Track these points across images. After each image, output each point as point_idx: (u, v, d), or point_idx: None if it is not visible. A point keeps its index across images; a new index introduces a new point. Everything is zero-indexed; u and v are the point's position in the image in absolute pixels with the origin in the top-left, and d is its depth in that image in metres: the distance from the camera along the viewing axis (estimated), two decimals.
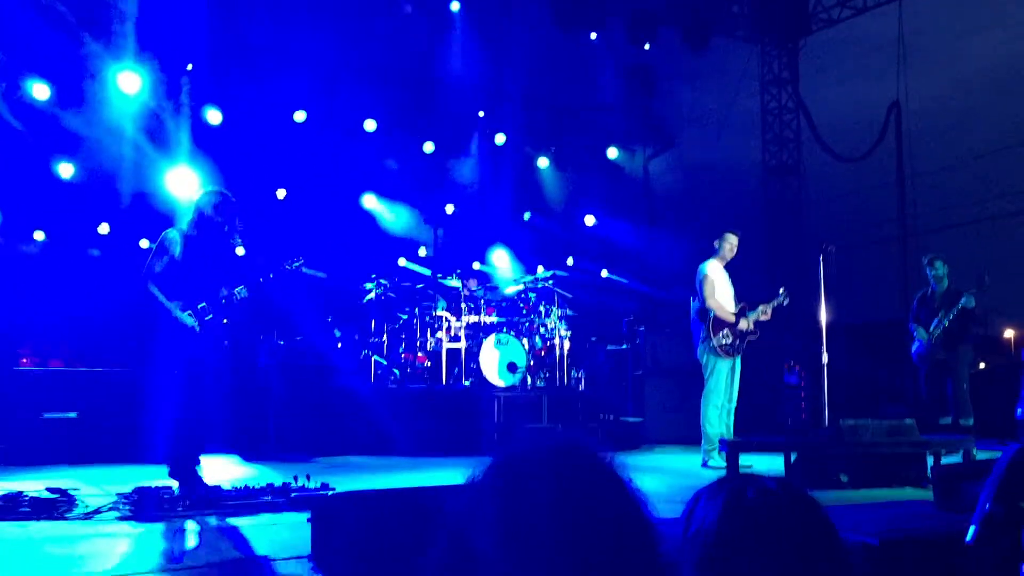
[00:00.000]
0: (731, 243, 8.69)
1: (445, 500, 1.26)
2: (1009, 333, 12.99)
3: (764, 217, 15.80)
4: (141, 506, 5.42)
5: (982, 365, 10.29)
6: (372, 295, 11.25)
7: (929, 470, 6.85)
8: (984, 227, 12.82)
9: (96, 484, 6.35)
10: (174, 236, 6.18)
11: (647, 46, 14.76)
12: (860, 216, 14.43)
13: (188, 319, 6.09)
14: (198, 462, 6.06)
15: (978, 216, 12.92)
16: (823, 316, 8.18)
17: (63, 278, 11.00)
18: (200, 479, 6.00)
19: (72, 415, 8.38)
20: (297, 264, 6.75)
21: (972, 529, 2.53)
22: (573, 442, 1.23)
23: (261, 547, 4.50)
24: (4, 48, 10.01)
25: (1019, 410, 10.03)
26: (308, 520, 3.62)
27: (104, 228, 11.57)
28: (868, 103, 14.30)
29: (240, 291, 6.35)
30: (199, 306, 6.15)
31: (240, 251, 6.35)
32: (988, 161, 12.67)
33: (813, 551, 1.41)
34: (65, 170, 11.06)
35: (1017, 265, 11.78)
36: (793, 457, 7.10)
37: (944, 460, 7.02)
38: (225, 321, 6.30)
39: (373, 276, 11.41)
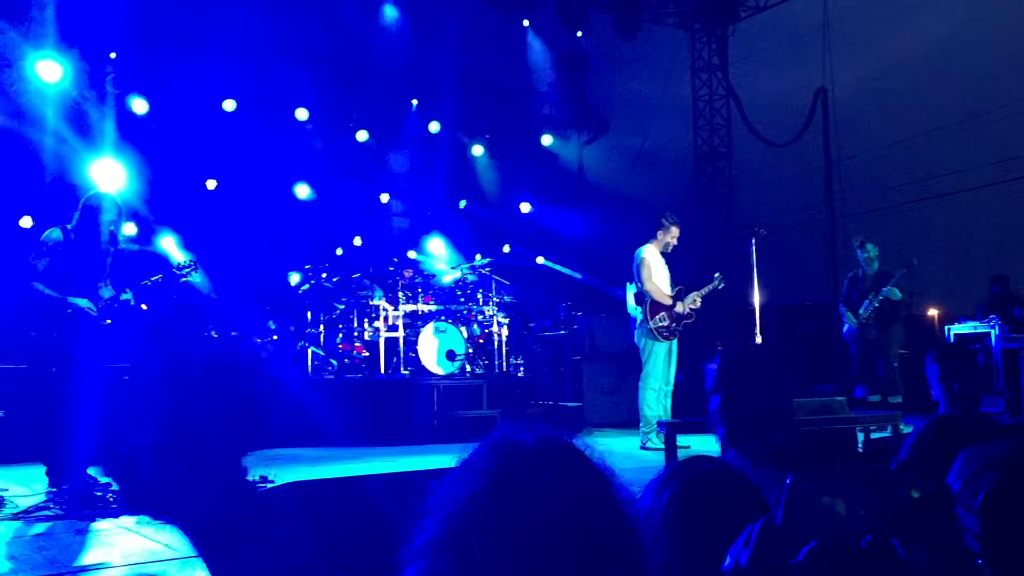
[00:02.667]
0: (674, 233, 8.78)
1: (425, 488, 1.27)
2: (932, 312, 13.39)
3: (695, 201, 16.01)
4: (72, 504, 5.29)
5: (902, 352, 10.56)
6: (307, 285, 11.11)
7: (860, 445, 7.05)
8: (909, 209, 13.18)
9: (25, 484, 6.18)
10: (56, 235, 6.10)
11: (579, 32, 14.82)
12: (788, 200, 14.70)
13: (83, 302, 5.98)
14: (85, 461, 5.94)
15: (903, 199, 13.27)
16: (756, 298, 8.33)
17: None
18: (86, 475, 5.86)
19: None
20: (186, 270, 6.62)
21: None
22: (558, 438, 1.25)
23: None
24: None
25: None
26: None
27: (26, 221, 11.21)
28: (796, 89, 14.56)
29: (126, 295, 6.26)
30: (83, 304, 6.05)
31: (122, 237, 6.26)
32: (913, 145, 13.02)
33: (749, 519, 1.49)
34: None
35: (940, 247, 12.14)
36: None
37: (874, 436, 7.22)
38: (109, 322, 6.17)
39: (307, 267, 11.29)
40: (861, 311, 9.75)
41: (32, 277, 5.99)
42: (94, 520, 4.99)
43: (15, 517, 5.12)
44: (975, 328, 10.13)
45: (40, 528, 4.90)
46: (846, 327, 9.98)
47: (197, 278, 6.83)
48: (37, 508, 5.27)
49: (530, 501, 1.15)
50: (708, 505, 1.53)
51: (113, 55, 11.08)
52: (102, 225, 6.13)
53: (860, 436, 7.15)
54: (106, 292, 6.16)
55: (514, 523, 1.14)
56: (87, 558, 4.14)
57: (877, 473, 1.44)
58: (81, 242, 6.12)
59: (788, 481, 1.41)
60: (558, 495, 1.17)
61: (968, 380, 3.48)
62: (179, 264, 6.63)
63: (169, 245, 10.96)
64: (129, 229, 8.88)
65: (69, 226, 6.17)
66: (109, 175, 10.29)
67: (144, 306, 6.32)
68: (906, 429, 7.51)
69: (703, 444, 7.96)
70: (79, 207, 6.21)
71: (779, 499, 1.50)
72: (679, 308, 8.58)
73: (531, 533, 1.13)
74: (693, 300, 8.64)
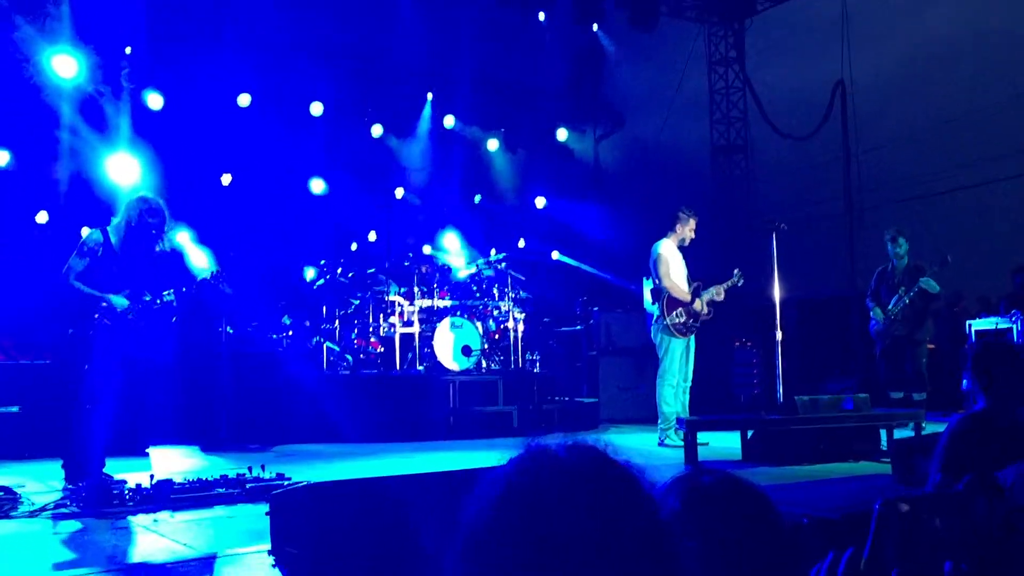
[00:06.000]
0: (691, 226, 8.68)
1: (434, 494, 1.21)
2: (955, 307, 13.24)
3: (712, 196, 15.90)
4: (89, 502, 5.26)
5: (930, 346, 10.42)
6: (322, 280, 11.09)
7: (884, 443, 6.97)
8: (930, 203, 13.04)
9: (42, 480, 6.17)
10: (96, 237, 6.10)
11: (595, 26, 14.72)
12: (807, 193, 14.56)
13: (120, 300, 5.99)
14: (103, 460, 5.96)
15: (923, 192, 13.14)
16: (776, 293, 8.22)
17: (1, 268, 10.67)
18: (103, 474, 5.88)
19: (14, 409, 8.13)
20: (221, 279, 6.67)
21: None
22: (592, 449, 1.19)
23: (216, 541, 4.39)
24: None
25: (965, 381, 10.23)
26: (267, 514, 3.52)
27: (42, 216, 11.23)
28: (814, 81, 14.41)
29: (167, 295, 6.27)
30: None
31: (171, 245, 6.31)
32: (932, 136, 12.88)
33: (756, 535, 1.50)
34: (0, 158, 10.72)
35: (963, 238, 12.01)
36: (750, 434, 7.16)
37: (896, 434, 7.14)
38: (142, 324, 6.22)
39: (322, 262, 11.29)
40: (890, 307, 9.42)
41: (69, 275, 6.00)
42: (112, 518, 4.97)
43: (32, 515, 5.10)
44: (996, 324, 9.97)
45: (59, 526, 4.88)
46: (873, 323, 9.72)
47: (227, 288, 6.89)
48: (55, 505, 5.25)
49: (557, 508, 1.10)
50: (714, 516, 1.49)
51: (128, 50, 11.06)
52: (146, 231, 6.11)
53: (883, 434, 7.08)
54: (146, 296, 6.18)
55: (541, 531, 1.09)
56: (106, 556, 4.10)
57: (953, 498, 1.38)
58: (124, 244, 6.11)
59: (876, 506, 1.36)
60: (587, 502, 1.11)
61: (1008, 378, 3.38)
62: (214, 273, 6.66)
63: (184, 240, 10.95)
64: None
65: (110, 227, 6.15)
66: (124, 170, 10.29)
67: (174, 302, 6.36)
68: (928, 427, 7.42)
69: (722, 441, 7.89)
70: (123, 211, 6.17)
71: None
72: (696, 305, 8.49)
73: (559, 541, 1.08)
74: (716, 292, 8.55)
